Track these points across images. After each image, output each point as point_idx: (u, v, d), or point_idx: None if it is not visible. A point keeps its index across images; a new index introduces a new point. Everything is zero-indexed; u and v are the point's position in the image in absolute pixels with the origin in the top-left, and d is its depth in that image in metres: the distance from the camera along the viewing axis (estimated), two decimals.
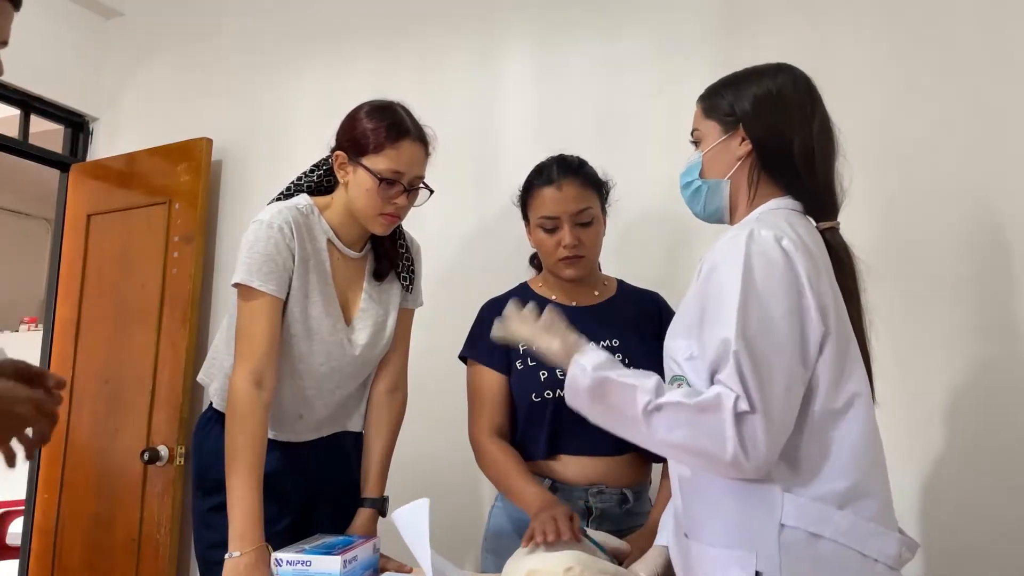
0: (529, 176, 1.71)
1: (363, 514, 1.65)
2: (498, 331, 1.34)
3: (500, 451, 1.62)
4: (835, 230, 1.26)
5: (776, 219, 1.20)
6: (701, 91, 1.37)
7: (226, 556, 1.38)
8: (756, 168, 1.27)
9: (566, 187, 1.63)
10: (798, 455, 1.13)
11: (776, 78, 1.28)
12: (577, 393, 1.20)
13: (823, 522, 1.10)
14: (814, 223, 1.26)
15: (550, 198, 1.63)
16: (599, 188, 1.69)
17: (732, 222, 1.32)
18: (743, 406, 1.08)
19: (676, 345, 1.23)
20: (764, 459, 1.09)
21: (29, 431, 1.09)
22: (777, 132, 1.25)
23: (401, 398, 1.76)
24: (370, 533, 1.62)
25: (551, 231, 1.63)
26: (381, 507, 1.67)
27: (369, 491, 1.67)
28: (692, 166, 1.33)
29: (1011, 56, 1.87)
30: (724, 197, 1.30)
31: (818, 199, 1.27)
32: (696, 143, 1.35)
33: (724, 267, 1.15)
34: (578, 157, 1.70)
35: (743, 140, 1.27)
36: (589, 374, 1.19)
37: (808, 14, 2.07)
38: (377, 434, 1.71)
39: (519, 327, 1.31)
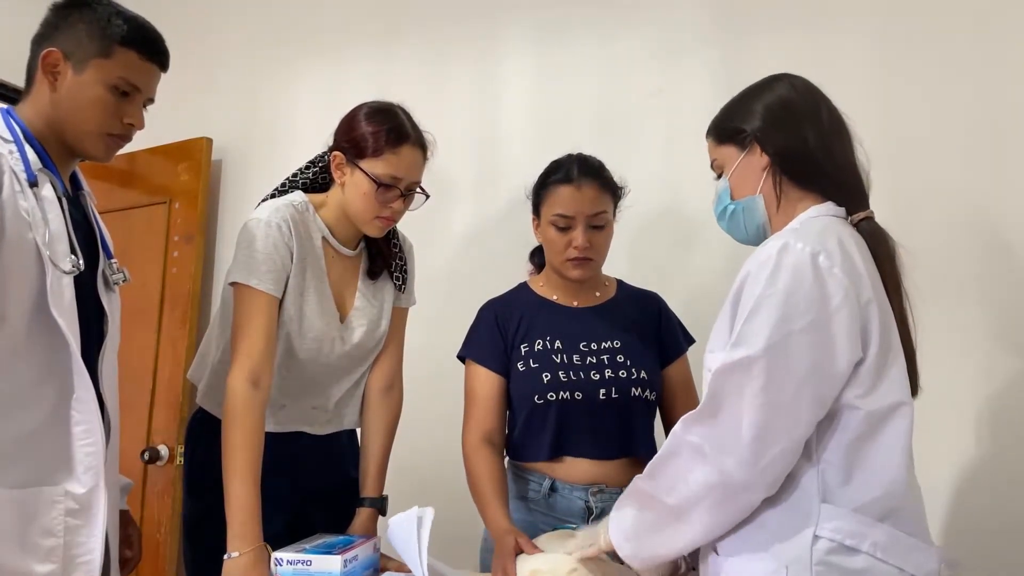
0: (546, 171, 1.69)
1: (363, 513, 1.64)
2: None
3: (482, 463, 1.59)
4: (870, 219, 1.25)
5: (817, 229, 1.17)
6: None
7: (225, 557, 1.38)
8: (778, 175, 1.26)
9: (585, 188, 1.61)
10: (838, 464, 1.11)
11: (775, 88, 1.29)
12: (627, 540, 1.22)
13: (861, 535, 1.08)
14: (850, 221, 1.25)
15: (568, 197, 1.61)
16: (614, 193, 1.67)
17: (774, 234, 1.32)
18: (696, 427, 1.12)
19: (715, 357, 1.21)
20: (764, 466, 1.08)
21: None
22: (790, 135, 1.25)
23: (397, 396, 1.76)
24: (370, 532, 1.61)
25: (563, 230, 1.61)
26: (381, 506, 1.67)
27: (368, 490, 1.67)
28: (722, 193, 1.34)
29: (1012, 56, 1.86)
30: (761, 212, 1.29)
31: (845, 191, 1.26)
32: (719, 174, 1.35)
33: (752, 278, 1.14)
34: (598, 160, 1.68)
35: (761, 153, 1.27)
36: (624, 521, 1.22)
37: (807, 14, 2.07)
38: (374, 433, 1.71)
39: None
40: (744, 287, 1.15)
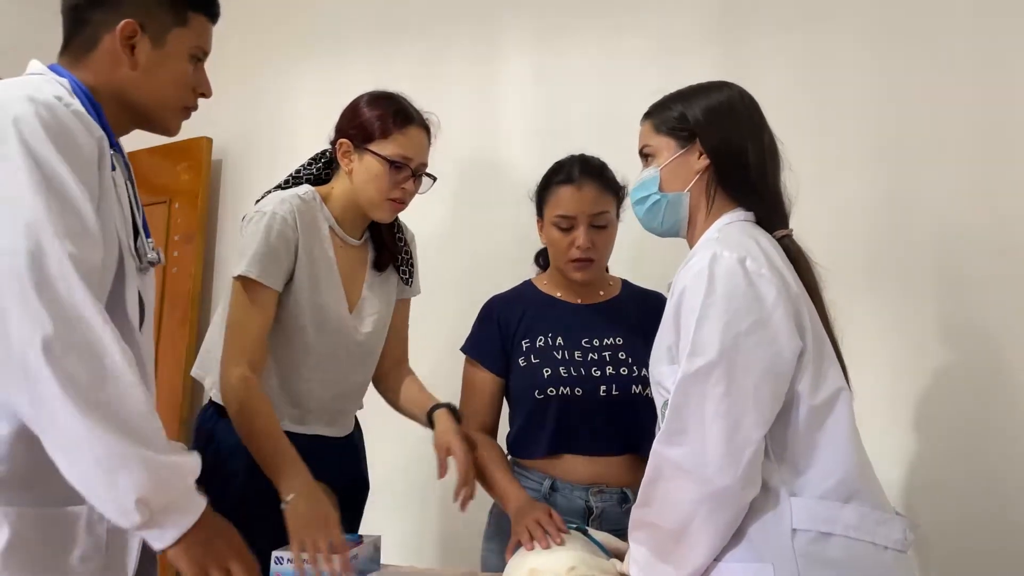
0: (548, 173, 1.70)
1: (441, 416, 1.61)
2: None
3: (482, 445, 1.62)
4: (790, 237, 1.29)
5: (737, 235, 1.22)
6: None
7: (283, 505, 1.36)
8: (713, 181, 1.29)
9: (586, 188, 1.62)
10: (796, 457, 1.15)
11: (723, 92, 1.32)
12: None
13: (833, 520, 1.12)
14: (767, 232, 1.29)
15: (569, 197, 1.62)
16: (617, 193, 1.68)
17: (689, 235, 1.35)
18: (671, 448, 1.13)
19: (661, 371, 1.25)
20: (744, 466, 1.10)
21: None
22: (731, 144, 1.28)
23: (408, 369, 1.80)
24: (454, 431, 1.57)
25: (566, 230, 1.63)
26: (453, 408, 1.65)
27: (430, 402, 1.66)
28: (648, 181, 1.35)
29: (1011, 56, 1.87)
30: (684, 209, 1.32)
31: (770, 209, 1.30)
32: (646, 158, 1.37)
33: (690, 291, 1.17)
34: (600, 160, 1.69)
35: (701, 154, 1.29)
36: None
37: (807, 14, 2.07)
38: (406, 384, 1.75)
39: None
40: (683, 300, 1.19)
